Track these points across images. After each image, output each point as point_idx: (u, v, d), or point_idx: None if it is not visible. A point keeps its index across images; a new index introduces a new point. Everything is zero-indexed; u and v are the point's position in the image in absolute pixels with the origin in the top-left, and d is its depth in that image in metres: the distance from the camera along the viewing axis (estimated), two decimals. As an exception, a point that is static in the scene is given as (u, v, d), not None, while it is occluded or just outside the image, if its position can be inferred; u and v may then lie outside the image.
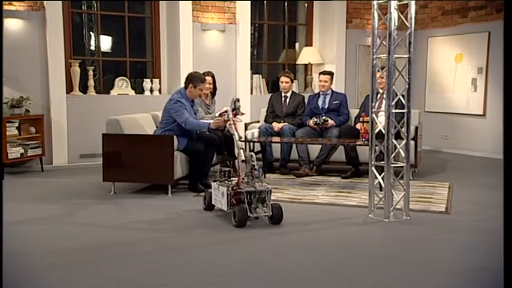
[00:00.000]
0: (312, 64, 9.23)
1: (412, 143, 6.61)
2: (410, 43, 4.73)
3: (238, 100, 4.95)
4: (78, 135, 7.56)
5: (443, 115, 9.35)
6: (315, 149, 6.90)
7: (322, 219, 4.78)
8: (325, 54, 9.30)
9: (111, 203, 5.37)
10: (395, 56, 4.69)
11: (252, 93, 8.71)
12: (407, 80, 4.74)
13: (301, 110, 7.21)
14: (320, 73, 7.26)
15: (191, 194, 5.74)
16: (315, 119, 6.88)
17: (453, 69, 9.16)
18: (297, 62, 9.37)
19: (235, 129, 4.86)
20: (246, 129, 7.14)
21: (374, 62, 4.77)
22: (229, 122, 4.96)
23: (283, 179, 6.62)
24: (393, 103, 4.66)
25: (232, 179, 4.80)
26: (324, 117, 6.88)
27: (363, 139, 5.94)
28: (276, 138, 6.76)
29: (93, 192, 5.89)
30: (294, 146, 6.96)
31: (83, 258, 3.70)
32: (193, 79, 5.90)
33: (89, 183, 6.32)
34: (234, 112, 4.94)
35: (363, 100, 7.00)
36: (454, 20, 9.19)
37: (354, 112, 7.18)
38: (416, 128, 6.74)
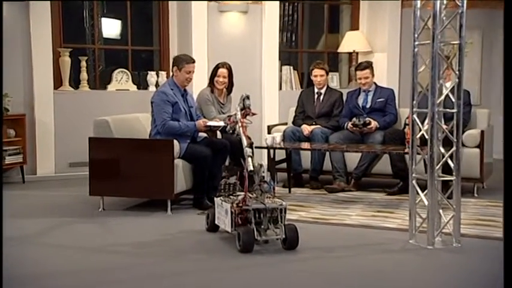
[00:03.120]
0: (357, 52, 9.23)
1: (476, 151, 6.56)
2: (461, 26, 4.70)
3: (248, 97, 5.01)
4: (68, 140, 7.77)
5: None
6: (353, 158, 6.91)
7: (349, 244, 4.80)
8: (375, 40, 9.28)
9: (96, 222, 5.54)
10: (442, 42, 4.69)
11: (280, 88, 8.79)
12: (457, 72, 4.72)
13: (337, 109, 7.26)
14: (356, 69, 7.26)
15: (196, 211, 5.86)
16: (355, 120, 6.89)
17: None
18: (339, 50, 9.40)
19: (244, 132, 4.93)
20: (268, 132, 7.21)
21: (416, 49, 4.78)
22: (238, 124, 5.03)
23: (312, 195, 6.67)
24: (438, 101, 4.67)
25: (238, 193, 4.88)
26: (365, 118, 6.88)
27: (409, 146, 5.90)
28: (306, 145, 6.82)
29: (79, 208, 6.08)
30: (328, 154, 6.99)
31: (48, 287, 3.83)
32: (177, 60, 6.14)
33: (76, 198, 6.52)
34: (243, 112, 5.01)
35: (417, 97, 6.97)
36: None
37: (405, 113, 7.14)
38: (483, 132, 6.66)
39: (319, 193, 6.75)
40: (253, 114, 5.14)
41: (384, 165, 6.85)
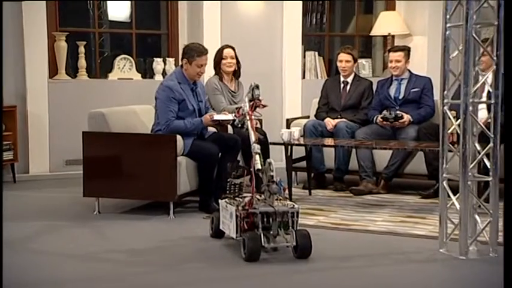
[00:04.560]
0: (393, 36, 9.21)
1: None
2: (500, 6, 4.70)
3: (257, 87, 5.04)
4: (64, 135, 7.87)
5: None
6: (383, 156, 6.92)
7: (370, 253, 4.81)
8: (413, 21, 9.25)
9: (90, 226, 5.63)
10: (477, 24, 4.69)
11: (304, 77, 8.83)
12: (494, 58, 4.72)
13: (366, 101, 7.27)
14: (389, 50, 7.27)
15: (202, 215, 5.91)
16: (385, 113, 6.89)
17: None
18: (373, 33, 9.39)
19: (252, 127, 4.97)
20: (287, 126, 7.24)
21: (447, 32, 4.80)
22: (246, 118, 5.07)
23: (335, 197, 6.72)
24: (473, 91, 4.68)
25: (245, 195, 4.92)
26: (397, 111, 6.88)
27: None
28: (329, 141, 6.83)
29: (73, 211, 6.19)
30: (354, 151, 7.00)
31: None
32: (188, 52, 6.03)
33: (70, 199, 6.63)
34: (252, 103, 5.04)
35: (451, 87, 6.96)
36: None
37: (444, 104, 7.13)
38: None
39: (344, 195, 6.79)
40: (264, 106, 5.18)
41: (417, 164, 6.83)
